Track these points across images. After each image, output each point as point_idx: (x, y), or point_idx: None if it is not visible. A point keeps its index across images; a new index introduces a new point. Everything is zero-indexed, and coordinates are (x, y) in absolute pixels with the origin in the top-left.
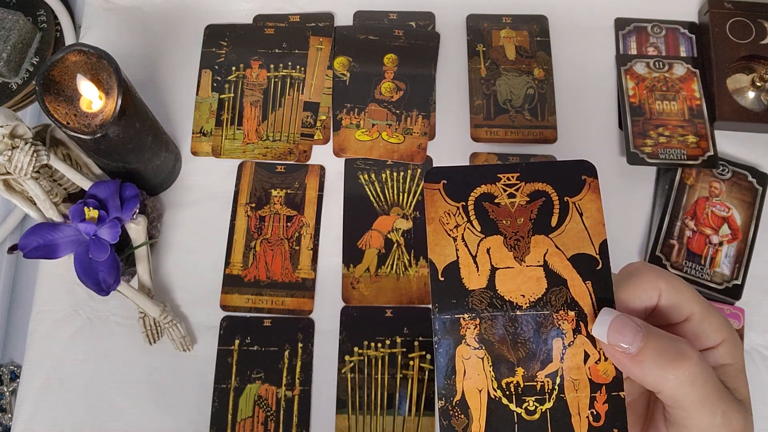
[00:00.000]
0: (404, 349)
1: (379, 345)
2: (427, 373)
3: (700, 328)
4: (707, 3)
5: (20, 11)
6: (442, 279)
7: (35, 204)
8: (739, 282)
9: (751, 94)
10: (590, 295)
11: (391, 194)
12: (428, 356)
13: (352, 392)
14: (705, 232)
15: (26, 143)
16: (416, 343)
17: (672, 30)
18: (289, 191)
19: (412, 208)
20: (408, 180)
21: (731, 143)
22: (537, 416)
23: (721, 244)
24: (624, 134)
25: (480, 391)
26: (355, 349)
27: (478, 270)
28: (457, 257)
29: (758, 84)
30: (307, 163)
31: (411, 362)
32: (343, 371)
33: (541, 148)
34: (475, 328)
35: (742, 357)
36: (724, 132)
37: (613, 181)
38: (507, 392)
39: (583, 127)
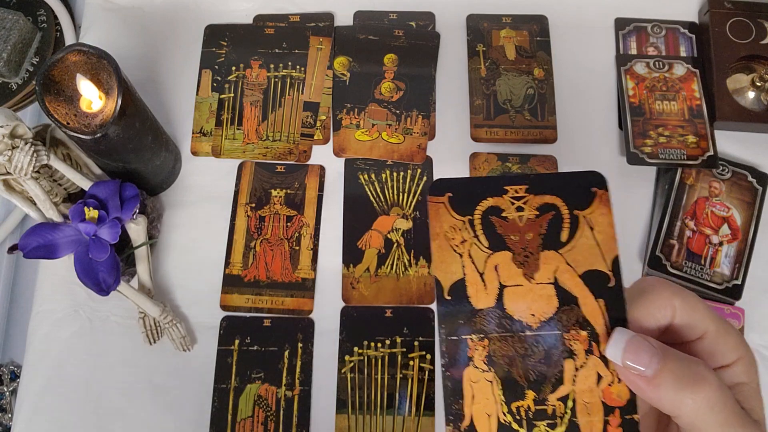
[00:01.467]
0: (404, 349)
1: (379, 345)
2: (427, 373)
3: (715, 347)
4: (707, 3)
5: (20, 11)
6: (449, 298)
7: (35, 204)
8: (739, 282)
9: (751, 94)
10: (603, 314)
11: (391, 194)
12: (428, 356)
13: (352, 392)
14: (705, 232)
15: (26, 143)
16: (416, 343)
17: (672, 30)
18: (289, 191)
19: (412, 208)
20: (408, 180)
21: (731, 143)
22: None
23: (721, 244)
24: (624, 134)
25: (489, 416)
26: (355, 349)
27: (485, 288)
28: (464, 275)
29: (758, 84)
30: (307, 163)
31: (411, 362)
32: (343, 371)
33: (541, 148)
34: (483, 350)
35: (757, 376)
36: (724, 132)
37: (613, 181)
38: (517, 417)
39: (583, 127)
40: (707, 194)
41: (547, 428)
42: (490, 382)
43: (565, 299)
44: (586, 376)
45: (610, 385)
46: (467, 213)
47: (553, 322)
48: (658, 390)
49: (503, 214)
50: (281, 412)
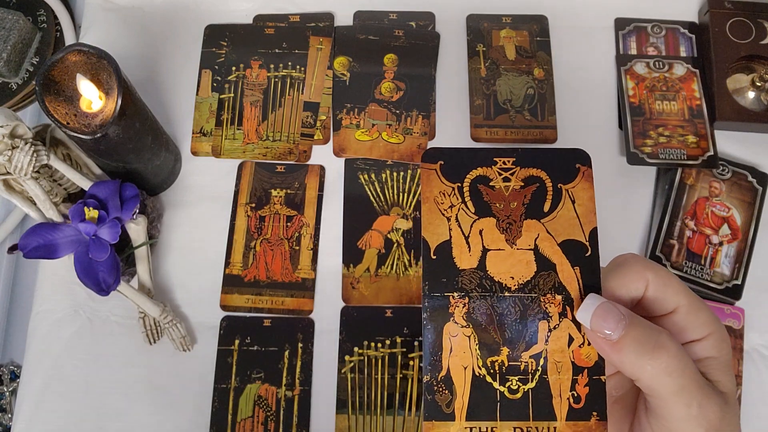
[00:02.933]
0: (404, 349)
1: (379, 345)
2: None
3: (686, 321)
4: (707, 3)
5: (20, 11)
6: (434, 257)
7: (35, 204)
8: (739, 282)
9: (751, 94)
10: (578, 280)
11: (391, 194)
12: None
13: (352, 392)
14: (705, 232)
15: (26, 143)
16: (416, 343)
17: (672, 30)
18: (289, 191)
19: (412, 208)
20: (408, 180)
21: (731, 143)
22: (519, 395)
23: (721, 244)
24: (624, 134)
25: (465, 369)
26: (355, 349)
27: (469, 250)
28: (450, 237)
29: (758, 84)
30: (307, 163)
31: (411, 362)
32: (343, 371)
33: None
34: (463, 307)
35: (728, 351)
36: (724, 132)
37: (613, 181)
38: (491, 371)
39: (583, 127)
40: (707, 194)
41: (518, 383)
42: (468, 337)
43: (544, 265)
44: (559, 337)
45: (580, 346)
46: (457, 180)
47: (531, 286)
48: (620, 354)
49: (491, 184)
50: (281, 412)
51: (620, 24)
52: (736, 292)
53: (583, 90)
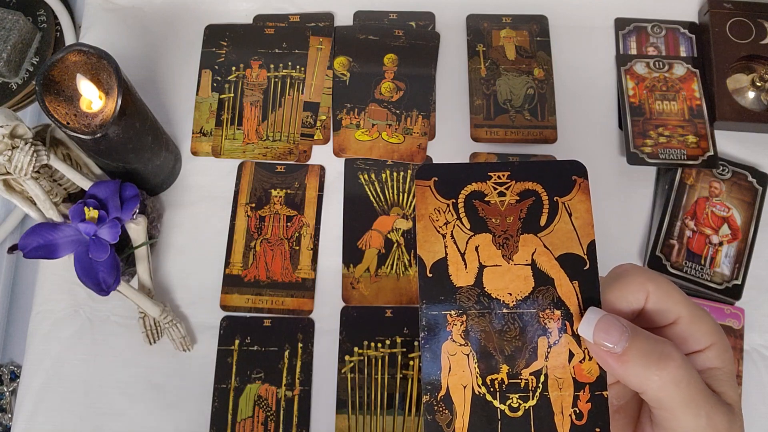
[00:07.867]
0: (404, 349)
1: (379, 345)
2: None
3: (689, 332)
4: (707, 3)
5: (20, 11)
6: (430, 275)
7: (35, 204)
8: (739, 282)
9: (751, 94)
10: (577, 294)
11: (391, 194)
12: None
13: (352, 392)
14: (705, 232)
15: (26, 143)
16: (416, 343)
17: (672, 30)
18: (289, 191)
19: (412, 208)
20: (408, 180)
21: (731, 143)
22: (520, 413)
23: (721, 244)
24: (624, 134)
25: (464, 387)
26: (355, 349)
27: (466, 267)
28: (446, 254)
29: (758, 84)
30: (307, 163)
31: (411, 362)
32: (343, 371)
33: (541, 148)
34: (461, 325)
35: (731, 362)
36: (724, 132)
37: (613, 181)
38: (491, 389)
39: (583, 127)
40: (707, 194)
41: (519, 401)
42: (467, 355)
43: (542, 280)
44: (559, 353)
45: (581, 362)
46: (451, 196)
47: (529, 301)
48: (626, 366)
49: (486, 199)
50: (281, 412)
51: (620, 24)
52: (736, 292)
53: (583, 90)
